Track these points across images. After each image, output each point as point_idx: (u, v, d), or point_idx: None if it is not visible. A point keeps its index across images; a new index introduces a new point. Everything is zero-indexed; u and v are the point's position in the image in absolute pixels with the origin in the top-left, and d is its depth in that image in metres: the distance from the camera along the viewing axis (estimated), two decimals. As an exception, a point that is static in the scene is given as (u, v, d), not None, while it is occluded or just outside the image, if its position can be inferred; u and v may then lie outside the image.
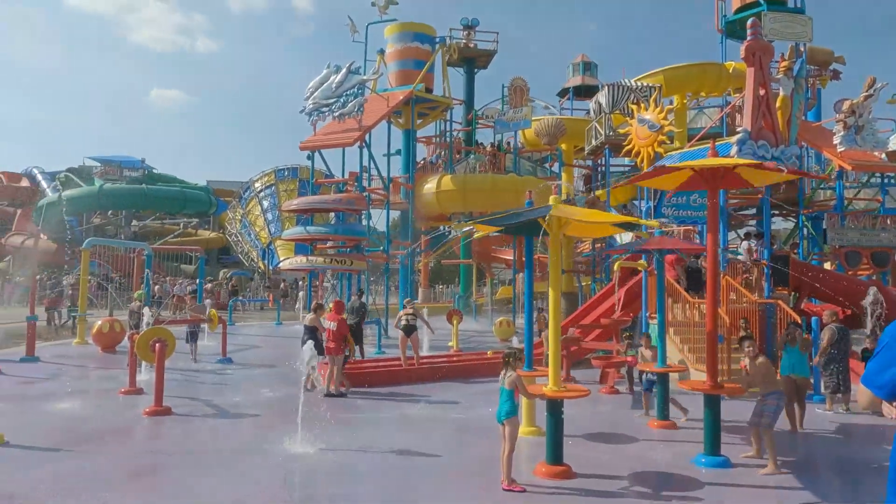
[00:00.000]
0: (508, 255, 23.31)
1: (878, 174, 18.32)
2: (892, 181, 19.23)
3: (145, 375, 10.49)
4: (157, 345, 8.50)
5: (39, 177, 45.39)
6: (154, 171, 46.96)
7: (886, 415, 1.77)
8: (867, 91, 16.93)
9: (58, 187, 42.89)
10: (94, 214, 43.37)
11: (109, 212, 43.77)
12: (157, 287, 24.89)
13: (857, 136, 16.70)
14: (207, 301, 18.37)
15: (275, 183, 36.94)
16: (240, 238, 39.16)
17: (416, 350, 12.04)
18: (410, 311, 12.23)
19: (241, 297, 30.76)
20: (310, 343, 8.70)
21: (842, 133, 16.55)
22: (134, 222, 44.23)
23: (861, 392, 1.94)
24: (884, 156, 17.36)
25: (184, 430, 7.50)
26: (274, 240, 35.09)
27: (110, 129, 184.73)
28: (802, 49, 17.78)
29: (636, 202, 21.78)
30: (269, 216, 36.58)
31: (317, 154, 18.58)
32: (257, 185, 37.75)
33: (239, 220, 38.79)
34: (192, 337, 13.43)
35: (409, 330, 11.86)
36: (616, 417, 8.64)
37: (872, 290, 12.38)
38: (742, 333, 8.70)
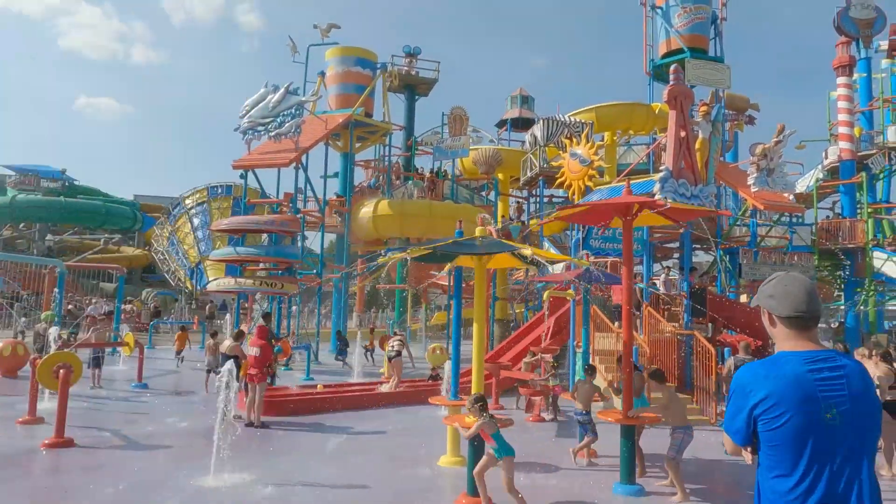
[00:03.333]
0: (444, 281, 23.41)
1: (787, 214, 19.70)
2: (799, 221, 20.75)
3: (48, 403, 9.75)
4: (60, 371, 7.94)
5: (-55, 184, 42.04)
6: (75, 182, 44.46)
7: (746, 461, 1.85)
8: (777, 137, 18.28)
9: (-36, 196, 39.82)
10: (5, 227, 40.46)
11: (22, 224, 40.95)
12: (70, 306, 23.35)
13: (769, 178, 17.95)
14: (124, 325, 17.40)
15: (207, 200, 35.72)
16: (166, 256, 37.48)
17: (398, 375, 12.49)
18: (399, 339, 13.22)
19: (163, 319, 29.30)
20: (230, 363, 8.35)
21: (755, 175, 17.74)
22: (49, 236, 41.52)
23: (725, 438, 2.01)
24: (792, 197, 18.72)
25: (87, 464, 6.99)
26: (203, 259, 33.80)
27: (31, 137, 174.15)
28: (721, 95, 19.08)
29: (568, 232, 22.48)
30: (200, 234, 35.23)
31: (251, 173, 18.16)
32: (188, 201, 36.40)
33: (166, 238, 37.16)
34: (95, 362, 12.62)
35: (395, 356, 12.64)
36: (541, 447, 8.73)
37: None
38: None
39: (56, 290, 17.58)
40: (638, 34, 21.64)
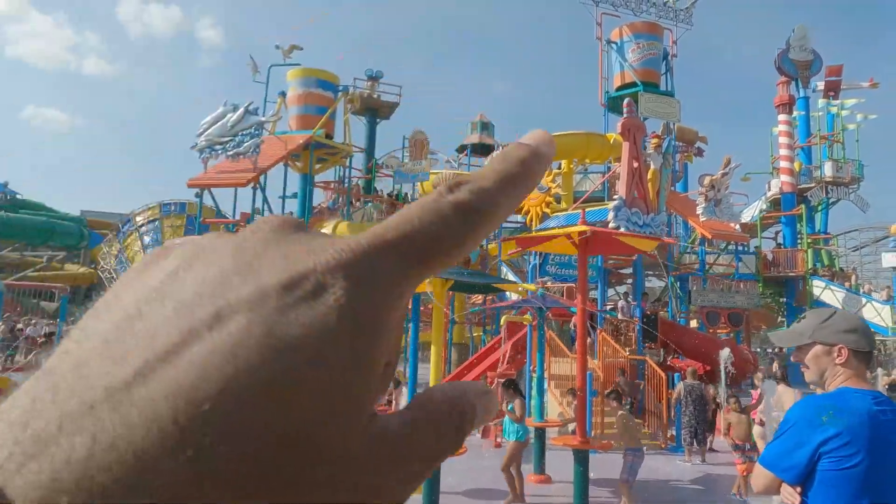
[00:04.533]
0: (402, 304, 23.26)
1: (733, 243, 20.55)
2: (745, 249, 21.67)
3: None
4: (-5, 397, 7.53)
5: None
6: (18, 196, 42.59)
7: (786, 500, 1.71)
8: (724, 169, 19.17)
9: None
10: (-61, 241, 38.33)
11: (-42, 239, 38.88)
12: (1, 327, 22.14)
13: (717, 208, 18.76)
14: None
15: (159, 218, 34.76)
16: (114, 275, 36.12)
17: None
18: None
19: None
20: None
21: (703, 205, 18.50)
22: (-12, 252, 39.53)
23: (759, 475, 1.85)
24: (738, 227, 19.57)
25: None
26: (153, 279, 32.69)
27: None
28: (672, 127, 19.91)
29: (526, 257, 22.84)
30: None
31: (207, 192, 17.82)
32: (139, 218, 35.33)
33: (115, 256, 35.88)
34: None
35: (395, 383, 12.39)
36: (496, 472, 8.73)
37: (725, 350, 13.68)
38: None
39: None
40: (594, 67, 22.44)
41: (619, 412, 6.77)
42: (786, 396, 6.45)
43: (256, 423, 0.18)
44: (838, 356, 1.86)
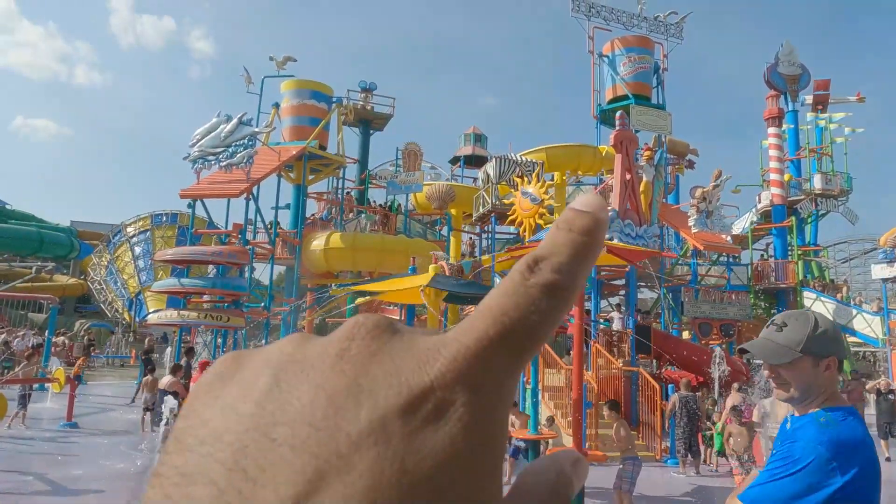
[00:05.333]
0: (395, 315, 23.25)
1: (724, 254, 20.68)
2: (736, 261, 21.81)
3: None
4: (-17, 410, 7.41)
5: None
6: (7, 206, 42.25)
7: None
8: (715, 181, 19.34)
9: None
10: (-74, 252, 37.90)
11: (-55, 250, 38.46)
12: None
13: (708, 219, 18.91)
14: (54, 357, 16.44)
15: (150, 228, 34.59)
16: (104, 286, 35.85)
17: None
18: None
19: (97, 353, 27.82)
20: (170, 399, 8.01)
21: (695, 217, 18.63)
22: (-24, 263, 39.11)
23: None
24: (729, 238, 19.71)
25: (6, 512, 6.50)
26: (144, 290, 32.50)
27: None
28: (663, 140, 20.08)
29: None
30: (141, 264, 33.93)
31: (199, 203, 17.75)
32: (130, 229, 35.12)
33: (105, 267, 35.62)
34: (22, 400, 11.85)
35: None
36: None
37: (718, 352, 13.73)
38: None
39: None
40: (585, 79, 22.66)
41: (617, 422, 6.75)
42: (781, 409, 6.46)
43: None
44: (827, 370, 1.62)
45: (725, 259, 21.11)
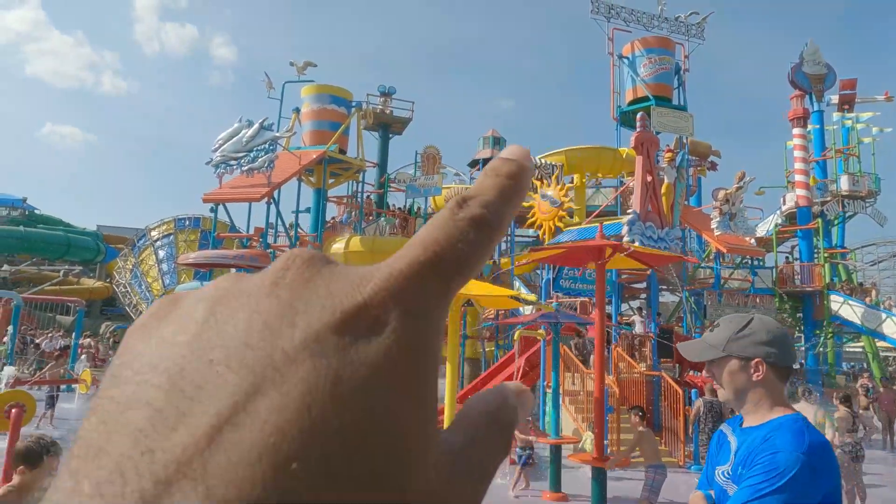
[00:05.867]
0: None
1: (748, 257, 20.34)
2: (760, 264, 21.44)
3: (-4, 444, 9.25)
4: (12, 410, 7.57)
5: None
6: (36, 211, 43.29)
7: None
8: (738, 183, 19.04)
9: (-84, 224, 38.31)
10: (-41, 256, 38.96)
11: (-23, 254, 39.51)
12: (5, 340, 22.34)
13: (731, 222, 18.61)
14: (83, 357, 16.76)
15: (174, 232, 35.14)
16: (129, 289, 36.51)
17: None
18: None
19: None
20: None
21: (717, 219, 18.36)
22: (6, 266, 40.10)
23: None
24: (753, 241, 19.38)
25: (35, 510, 6.62)
26: (167, 293, 32.89)
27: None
28: (685, 142, 19.84)
29: (539, 272, 22.75)
30: (165, 267, 34.51)
31: (221, 207, 17.99)
32: (154, 233, 35.73)
33: (130, 270, 36.28)
34: (50, 401, 12.10)
35: None
36: (507, 491, 8.62)
37: None
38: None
39: (9, 325, 16.90)
40: (604, 82, 22.49)
41: (640, 428, 6.65)
42: (806, 413, 6.32)
43: (344, 474, 0.17)
44: (755, 372, 1.59)
45: (749, 262, 20.76)
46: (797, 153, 23.43)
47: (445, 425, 0.22)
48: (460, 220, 0.22)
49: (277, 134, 18.25)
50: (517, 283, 18.63)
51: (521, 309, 15.45)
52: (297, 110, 23.07)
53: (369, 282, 0.20)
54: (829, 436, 6.91)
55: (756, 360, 1.59)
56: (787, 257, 23.44)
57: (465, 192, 0.23)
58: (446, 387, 6.23)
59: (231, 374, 0.18)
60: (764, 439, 1.53)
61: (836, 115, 26.01)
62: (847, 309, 20.05)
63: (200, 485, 0.16)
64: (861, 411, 11.30)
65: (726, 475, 1.62)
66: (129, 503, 0.16)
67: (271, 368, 0.18)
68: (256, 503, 0.16)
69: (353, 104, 24.26)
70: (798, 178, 23.33)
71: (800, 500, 1.40)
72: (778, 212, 24.71)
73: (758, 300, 18.12)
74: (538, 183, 16.64)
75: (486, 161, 31.70)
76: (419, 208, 27.23)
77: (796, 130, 23.42)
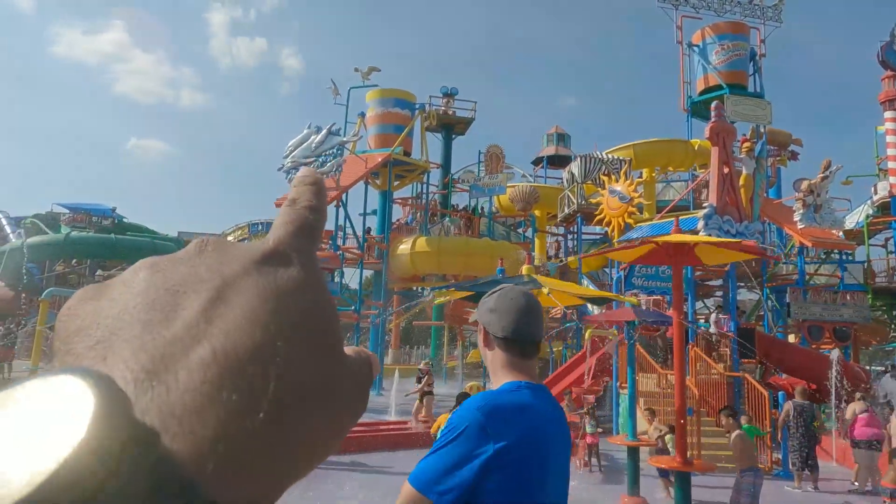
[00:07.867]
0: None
1: (836, 251, 19.05)
2: (850, 258, 20.02)
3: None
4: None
5: (3, 221, 44.26)
6: (124, 220, 46.31)
7: None
8: (823, 172, 17.85)
9: (21, 234, 41.83)
10: (58, 263, 42.22)
11: (74, 261, 42.68)
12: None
13: (816, 214, 17.47)
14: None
15: (248, 237, 36.68)
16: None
17: (429, 412, 12.70)
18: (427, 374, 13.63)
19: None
20: None
21: (801, 211, 17.29)
22: (99, 272, 43.13)
23: (408, 499, 1.33)
24: (841, 234, 18.13)
25: None
26: (243, 295, 34.41)
27: (84, 177, 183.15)
28: (763, 131, 18.81)
29: (607, 270, 22.18)
30: (240, 270, 36.09)
31: (292, 211, 18.61)
32: (230, 237, 37.42)
33: (208, 274, 38.13)
34: None
35: (428, 393, 13.13)
36: (583, 494, 8.42)
37: (835, 352, 12.63)
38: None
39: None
40: (671, 72, 21.67)
41: (736, 431, 6.31)
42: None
43: (310, 342, 0.23)
44: (485, 339, 1.55)
45: (837, 256, 19.43)
46: (889, 138, 21.72)
47: None
48: (300, 207, 0.29)
49: (344, 139, 18.69)
50: (585, 282, 18.23)
51: (588, 308, 15.08)
52: (363, 115, 23.55)
53: (268, 241, 0.27)
54: None
55: (481, 326, 1.56)
56: (883, 250, 21.80)
57: (290, 195, 0.30)
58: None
59: (194, 293, 0.23)
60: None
61: (933, 96, 23.86)
62: (951, 306, 18.41)
63: (206, 343, 0.21)
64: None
65: None
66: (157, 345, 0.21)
67: (226, 285, 0.23)
68: (256, 349, 0.21)
69: (417, 106, 24.51)
70: (891, 164, 21.62)
71: (467, 454, 1.32)
72: (868, 202, 23.00)
73: (848, 297, 16.91)
74: (605, 179, 16.21)
75: (550, 158, 31.24)
76: (483, 208, 27.19)
77: (888, 114, 21.72)
